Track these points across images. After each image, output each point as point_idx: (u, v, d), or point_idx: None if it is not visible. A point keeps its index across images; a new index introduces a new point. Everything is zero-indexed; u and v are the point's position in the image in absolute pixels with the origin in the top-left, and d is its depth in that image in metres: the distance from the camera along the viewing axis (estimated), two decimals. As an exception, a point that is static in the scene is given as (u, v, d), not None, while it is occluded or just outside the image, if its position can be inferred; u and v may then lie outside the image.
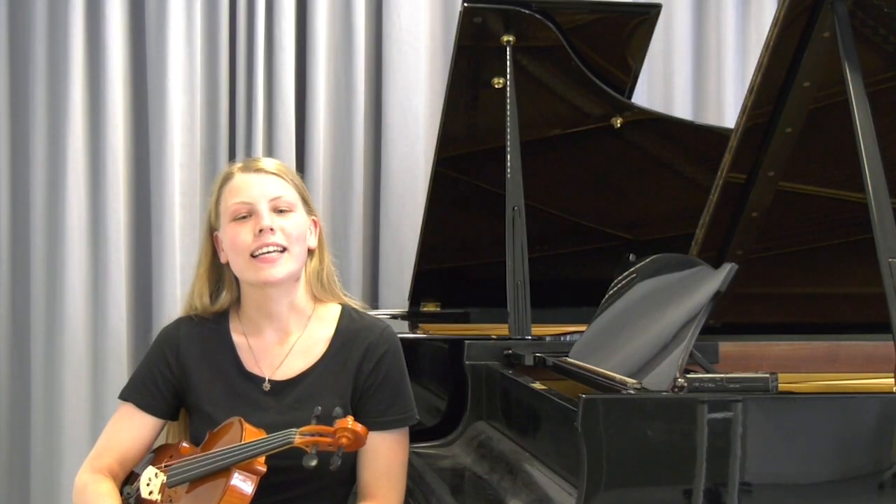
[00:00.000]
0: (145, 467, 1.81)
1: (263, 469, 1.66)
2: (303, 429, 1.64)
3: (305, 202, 1.83)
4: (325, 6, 3.15)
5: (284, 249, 1.75)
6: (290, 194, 1.79)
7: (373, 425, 1.74)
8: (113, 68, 3.02)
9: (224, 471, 1.66)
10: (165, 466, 1.76)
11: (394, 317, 2.89)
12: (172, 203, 3.03)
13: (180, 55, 3.05)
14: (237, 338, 1.85)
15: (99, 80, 3.03)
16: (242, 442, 1.67)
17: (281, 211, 1.77)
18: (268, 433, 1.68)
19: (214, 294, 1.86)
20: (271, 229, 1.73)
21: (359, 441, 1.64)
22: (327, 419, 1.65)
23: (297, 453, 1.65)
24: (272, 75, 3.11)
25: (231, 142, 3.15)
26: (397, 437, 1.80)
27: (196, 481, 1.69)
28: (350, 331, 1.83)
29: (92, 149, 3.05)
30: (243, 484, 1.64)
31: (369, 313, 1.91)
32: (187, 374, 1.83)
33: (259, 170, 1.79)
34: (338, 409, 1.65)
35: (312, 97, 3.14)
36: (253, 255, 1.74)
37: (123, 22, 3.06)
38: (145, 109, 3.09)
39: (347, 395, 1.79)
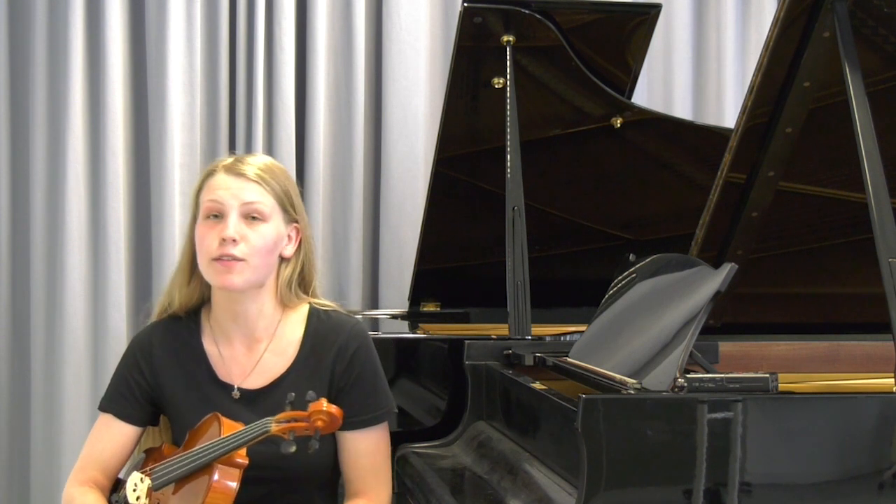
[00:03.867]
0: (131, 473, 1.81)
1: (245, 461, 1.66)
2: (278, 416, 1.63)
3: (286, 210, 1.79)
4: (325, 6, 3.15)
5: (243, 260, 1.72)
6: (265, 202, 1.75)
7: (351, 425, 1.75)
8: (113, 68, 3.02)
9: (206, 467, 1.65)
10: (150, 470, 1.75)
11: (394, 317, 2.90)
12: (172, 203, 3.03)
13: (180, 55, 3.05)
14: (209, 346, 1.84)
15: (99, 80, 3.03)
16: (222, 436, 1.67)
17: (253, 218, 1.74)
18: None
19: (191, 286, 1.84)
20: (234, 240, 1.71)
21: (334, 422, 1.63)
22: (301, 404, 1.65)
23: (274, 459, 1.65)
24: (272, 75, 3.11)
25: (231, 142, 3.14)
26: (378, 433, 1.80)
27: (181, 481, 1.68)
28: (319, 333, 1.82)
29: (92, 149, 3.05)
30: (226, 478, 1.64)
31: (339, 310, 1.89)
32: (161, 382, 1.83)
33: (240, 174, 1.75)
34: (311, 393, 1.64)
35: (312, 97, 3.14)
36: (214, 259, 1.73)
37: (123, 22, 3.06)
38: (145, 109, 3.09)
39: (323, 395, 1.79)
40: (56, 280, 3.02)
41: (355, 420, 1.77)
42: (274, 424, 1.63)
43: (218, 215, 1.74)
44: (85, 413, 3.01)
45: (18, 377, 3.10)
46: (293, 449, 1.61)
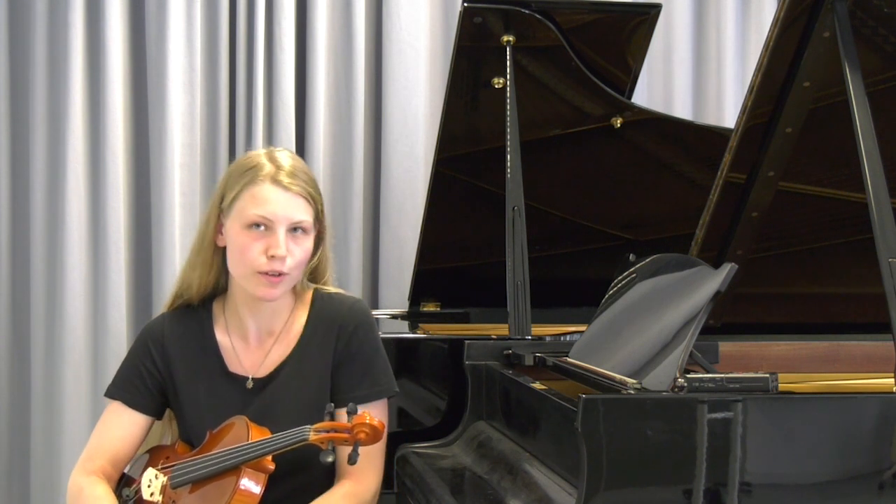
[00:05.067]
0: (140, 469, 1.81)
1: (272, 467, 1.66)
2: (317, 425, 1.63)
3: (318, 218, 1.82)
4: (325, 6, 3.15)
5: (286, 274, 1.75)
6: (309, 218, 1.78)
7: (345, 400, 1.74)
8: (113, 68, 3.02)
9: (232, 470, 1.65)
10: (165, 468, 1.75)
11: (394, 317, 2.90)
12: (172, 203, 3.03)
13: (180, 55, 3.05)
14: (221, 337, 1.85)
15: (99, 80, 3.03)
16: (250, 440, 1.66)
17: (294, 231, 1.76)
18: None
19: (210, 275, 1.85)
20: (284, 256, 1.73)
21: (377, 435, 1.64)
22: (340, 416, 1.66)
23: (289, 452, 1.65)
24: (272, 75, 3.11)
25: (231, 142, 3.15)
26: (374, 411, 1.77)
27: (201, 481, 1.68)
28: (322, 313, 1.85)
29: (92, 149, 3.05)
30: (253, 483, 1.64)
31: (341, 292, 1.91)
32: (171, 371, 1.84)
33: (288, 188, 1.75)
34: (352, 405, 1.65)
35: (312, 97, 3.14)
36: (260, 272, 1.74)
37: (123, 22, 3.06)
38: (145, 109, 3.09)
39: (327, 377, 1.81)
40: (56, 280, 3.02)
41: (349, 395, 1.77)
42: (312, 433, 1.63)
43: (262, 227, 1.74)
44: (85, 413, 3.01)
45: (18, 377, 3.10)
46: (331, 459, 1.62)
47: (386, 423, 1.83)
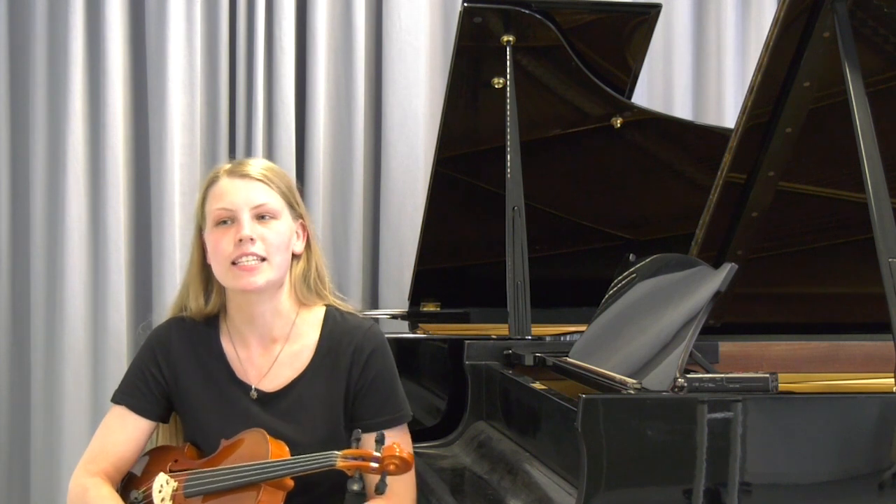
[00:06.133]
0: (140, 468, 1.80)
1: (292, 485, 1.65)
2: (345, 452, 1.62)
3: (292, 206, 1.81)
4: (325, 6, 3.15)
5: (264, 259, 1.73)
6: (273, 201, 1.76)
7: (370, 427, 1.74)
8: (113, 68, 3.02)
9: (251, 486, 1.63)
10: (176, 472, 1.74)
11: (394, 317, 2.90)
12: (172, 203, 3.03)
13: (180, 55, 3.05)
14: (226, 345, 1.84)
15: (99, 80, 3.03)
16: (270, 457, 1.65)
17: (263, 218, 1.75)
18: None
19: (206, 295, 1.84)
20: (251, 239, 1.72)
21: (406, 466, 1.62)
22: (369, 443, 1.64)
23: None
24: (272, 75, 3.11)
25: (231, 142, 3.15)
26: (397, 435, 1.78)
27: (216, 494, 1.67)
28: (335, 334, 1.82)
29: (92, 149, 3.05)
30: (272, 501, 1.63)
31: (355, 313, 1.89)
32: (178, 378, 1.83)
33: (244, 175, 1.76)
34: (380, 434, 1.64)
35: (312, 97, 3.14)
36: (233, 263, 1.73)
37: (123, 22, 3.06)
38: (145, 109, 3.09)
39: (339, 401, 1.79)
40: (56, 280, 3.02)
41: (374, 422, 1.76)
42: (340, 460, 1.61)
43: (228, 220, 1.74)
44: (85, 413, 3.01)
45: (18, 377, 3.10)
46: (357, 487, 1.60)
47: (410, 443, 1.82)
